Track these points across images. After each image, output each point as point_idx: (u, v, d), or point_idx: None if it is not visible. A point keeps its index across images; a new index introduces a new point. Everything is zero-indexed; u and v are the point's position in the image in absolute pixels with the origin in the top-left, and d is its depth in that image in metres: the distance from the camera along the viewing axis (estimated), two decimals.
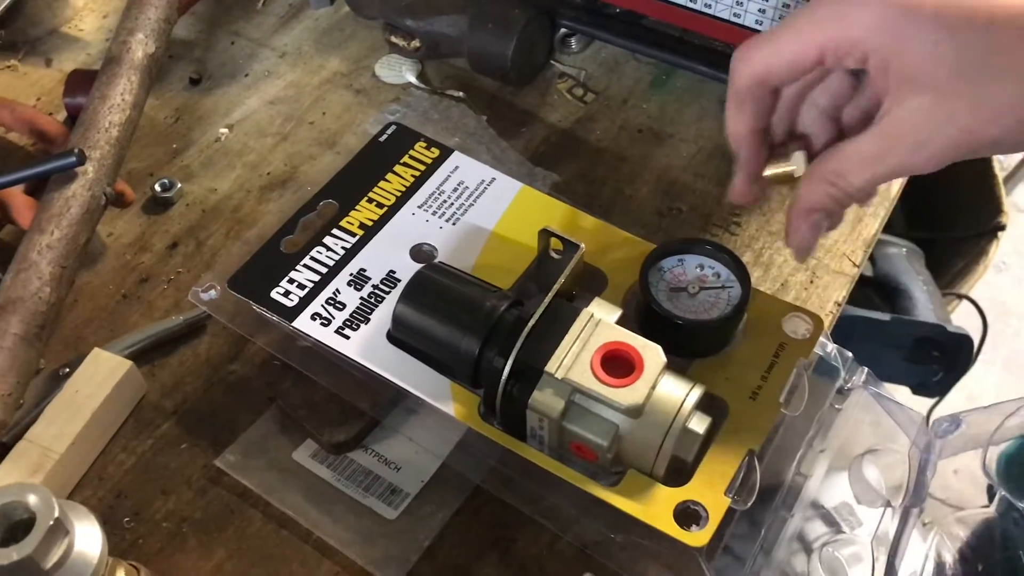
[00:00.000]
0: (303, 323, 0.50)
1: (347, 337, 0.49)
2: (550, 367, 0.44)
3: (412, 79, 0.69)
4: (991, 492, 0.51)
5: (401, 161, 0.57)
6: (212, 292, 0.52)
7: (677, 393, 0.44)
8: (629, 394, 0.43)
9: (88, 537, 0.42)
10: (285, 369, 0.52)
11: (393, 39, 0.69)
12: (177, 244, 0.61)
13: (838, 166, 0.44)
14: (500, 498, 0.47)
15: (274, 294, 0.51)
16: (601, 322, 0.46)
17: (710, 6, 0.61)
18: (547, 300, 0.46)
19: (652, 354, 0.44)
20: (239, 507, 0.50)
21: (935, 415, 0.60)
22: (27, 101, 0.68)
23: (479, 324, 0.46)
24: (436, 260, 0.52)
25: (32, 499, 0.40)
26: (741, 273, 0.49)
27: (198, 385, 0.54)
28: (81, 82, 0.64)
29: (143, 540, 0.49)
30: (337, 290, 0.51)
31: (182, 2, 0.68)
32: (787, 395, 0.47)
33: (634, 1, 0.65)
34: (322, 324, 0.50)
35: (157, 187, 0.62)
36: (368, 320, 0.50)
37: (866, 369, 0.52)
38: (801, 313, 0.50)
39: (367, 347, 0.49)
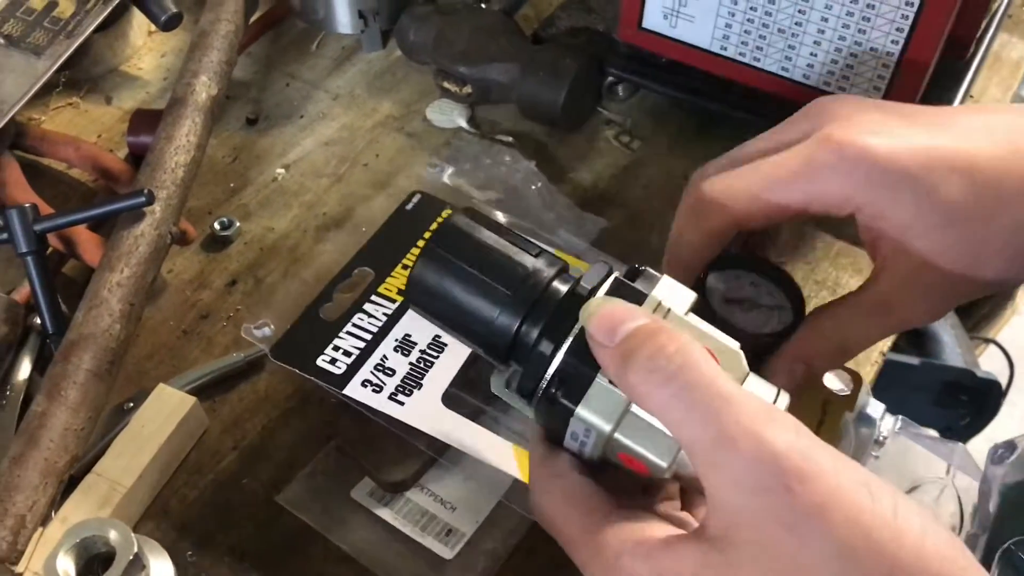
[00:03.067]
0: (354, 390, 0.51)
1: (401, 403, 0.50)
2: (604, 373, 0.36)
3: (463, 124, 0.70)
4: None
5: (430, 228, 0.58)
6: (266, 330, 0.53)
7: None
8: None
9: (161, 571, 0.43)
10: (342, 406, 0.53)
11: (445, 84, 0.71)
12: (236, 282, 0.62)
13: (841, 337, 0.44)
14: (554, 538, 0.48)
15: (320, 362, 0.52)
16: (670, 313, 0.37)
17: (759, 60, 0.63)
18: (605, 275, 0.38)
19: (731, 360, 0.36)
20: (298, 543, 0.51)
21: None
22: (88, 138, 0.70)
23: (521, 293, 0.38)
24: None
25: (113, 535, 0.41)
26: (795, 299, 0.47)
27: (257, 421, 0.55)
28: (144, 121, 0.66)
29: (205, 574, 0.50)
30: (384, 356, 0.52)
31: (239, 43, 0.70)
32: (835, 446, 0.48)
33: (680, 52, 0.66)
34: (374, 391, 0.51)
35: (216, 225, 0.64)
36: (420, 385, 0.51)
37: (900, 417, 0.53)
38: (839, 370, 0.51)
39: (423, 412, 0.49)
